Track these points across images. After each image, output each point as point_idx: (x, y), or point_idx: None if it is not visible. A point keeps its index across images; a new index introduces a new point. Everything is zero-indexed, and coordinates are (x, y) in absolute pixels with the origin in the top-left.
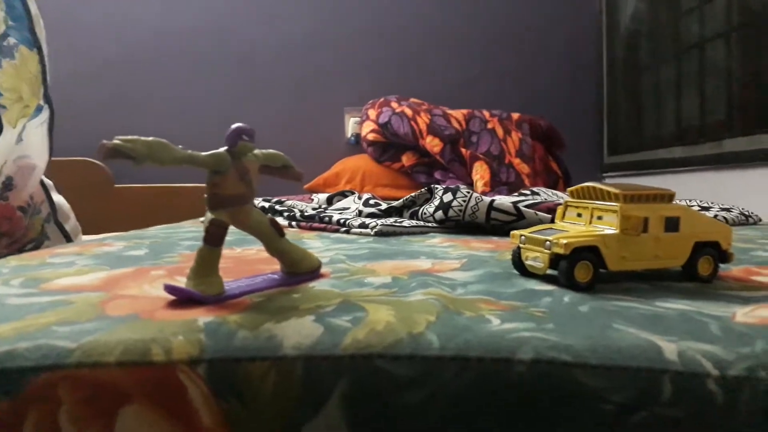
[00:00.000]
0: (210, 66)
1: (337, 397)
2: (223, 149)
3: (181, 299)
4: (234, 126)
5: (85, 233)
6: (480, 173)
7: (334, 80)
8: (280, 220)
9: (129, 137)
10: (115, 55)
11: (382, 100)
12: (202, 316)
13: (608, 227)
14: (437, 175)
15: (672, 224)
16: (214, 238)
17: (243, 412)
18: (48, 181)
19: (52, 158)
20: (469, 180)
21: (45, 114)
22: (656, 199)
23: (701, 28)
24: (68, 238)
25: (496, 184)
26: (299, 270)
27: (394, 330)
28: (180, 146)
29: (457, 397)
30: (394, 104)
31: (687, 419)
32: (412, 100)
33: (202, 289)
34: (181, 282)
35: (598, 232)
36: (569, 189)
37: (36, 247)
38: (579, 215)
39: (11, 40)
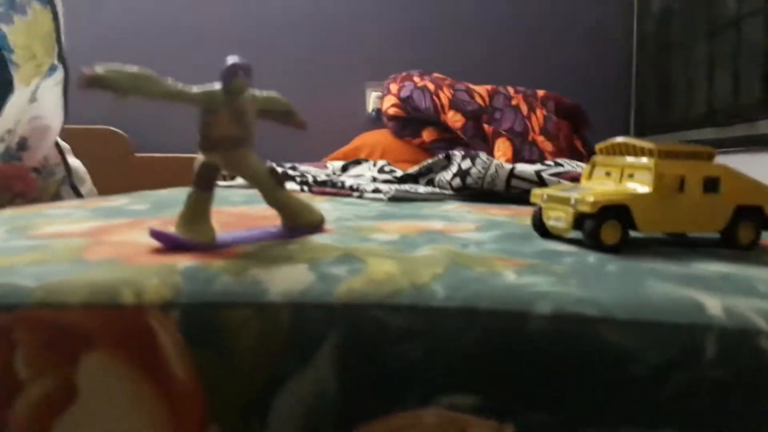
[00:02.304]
0: (230, 36)
1: (328, 348)
2: (216, 86)
3: (168, 246)
4: (229, 61)
5: None
6: (502, 150)
7: (356, 54)
8: (292, 184)
9: (113, 67)
10: (133, 23)
11: (404, 74)
12: (183, 262)
13: (640, 185)
14: (458, 151)
15: (711, 184)
16: (203, 180)
17: (219, 364)
18: (64, 144)
19: (71, 126)
20: (491, 157)
21: (59, 74)
22: (695, 157)
23: (738, 4)
24: None
25: (518, 162)
26: (299, 223)
27: (394, 280)
28: (170, 79)
29: (462, 353)
30: (416, 78)
31: (735, 381)
32: (435, 75)
33: (191, 236)
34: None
35: (629, 191)
36: (597, 146)
37: None
38: (608, 174)
39: None
